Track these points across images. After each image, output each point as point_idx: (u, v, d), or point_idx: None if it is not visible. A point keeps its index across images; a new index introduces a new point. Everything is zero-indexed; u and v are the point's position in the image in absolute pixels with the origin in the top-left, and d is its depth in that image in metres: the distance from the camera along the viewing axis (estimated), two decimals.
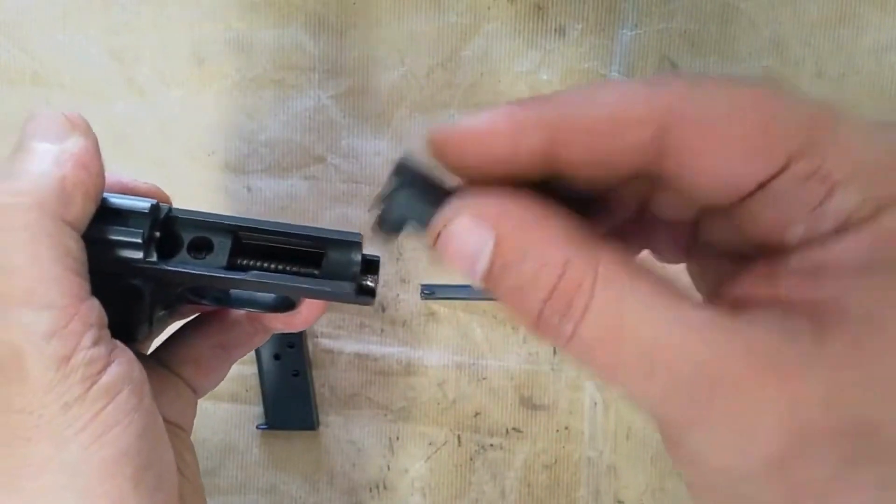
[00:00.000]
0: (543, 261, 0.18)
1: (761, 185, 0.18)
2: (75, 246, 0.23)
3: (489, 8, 0.47)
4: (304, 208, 0.50)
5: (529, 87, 0.47)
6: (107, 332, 0.24)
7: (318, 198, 0.50)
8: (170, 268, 0.25)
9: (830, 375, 0.16)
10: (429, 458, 0.50)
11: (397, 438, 0.50)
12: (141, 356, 0.28)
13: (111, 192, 0.26)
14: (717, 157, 0.18)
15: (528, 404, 0.49)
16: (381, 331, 0.50)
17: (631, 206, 0.22)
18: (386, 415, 0.50)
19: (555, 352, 0.49)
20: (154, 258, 0.25)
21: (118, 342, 0.24)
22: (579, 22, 0.46)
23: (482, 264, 0.18)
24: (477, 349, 0.49)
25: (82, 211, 0.24)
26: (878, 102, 0.43)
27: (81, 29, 0.49)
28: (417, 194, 0.20)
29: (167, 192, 0.29)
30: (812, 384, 0.16)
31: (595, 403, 0.49)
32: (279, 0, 0.48)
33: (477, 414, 0.49)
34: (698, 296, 0.23)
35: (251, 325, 0.32)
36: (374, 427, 0.50)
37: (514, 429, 0.49)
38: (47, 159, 0.23)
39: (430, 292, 0.48)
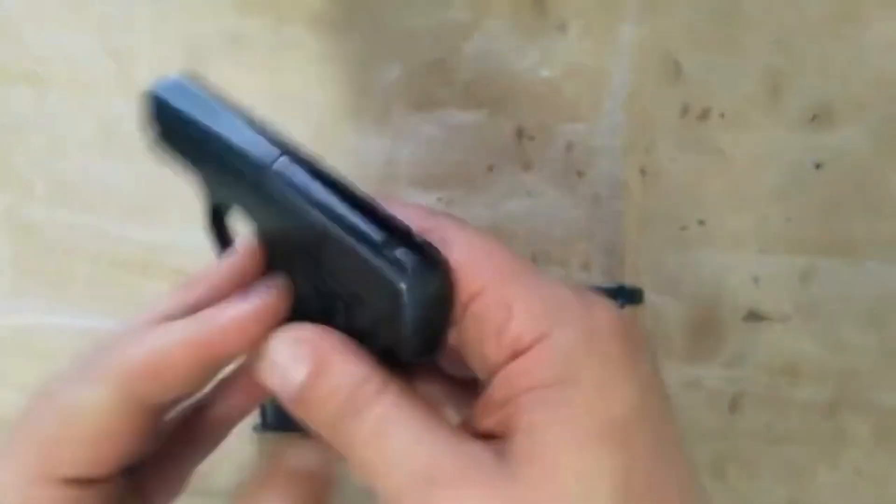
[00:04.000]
0: (347, 377, 0.23)
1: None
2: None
3: (489, 4, 0.46)
4: None
5: (530, 84, 0.46)
6: None
7: None
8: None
9: (505, 496, 0.19)
10: None
11: None
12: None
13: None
14: None
15: None
16: None
17: None
18: None
19: None
20: None
21: None
22: (580, 18, 0.45)
23: (301, 375, 0.24)
24: None
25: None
26: (883, 99, 0.43)
27: (80, 28, 0.49)
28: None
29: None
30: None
31: None
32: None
33: None
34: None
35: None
36: None
37: None
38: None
39: None
